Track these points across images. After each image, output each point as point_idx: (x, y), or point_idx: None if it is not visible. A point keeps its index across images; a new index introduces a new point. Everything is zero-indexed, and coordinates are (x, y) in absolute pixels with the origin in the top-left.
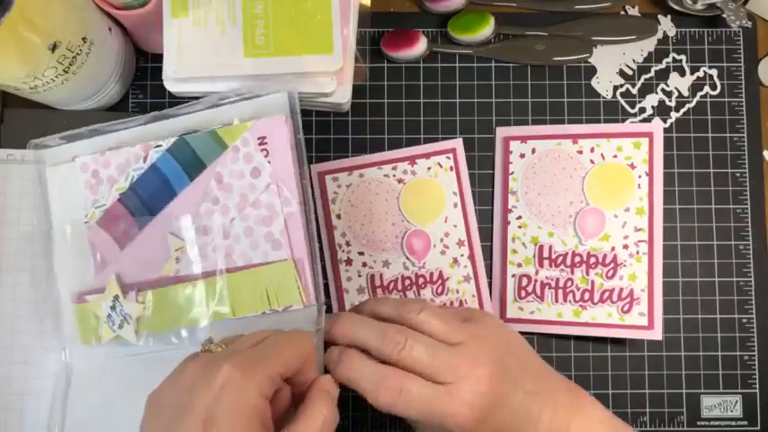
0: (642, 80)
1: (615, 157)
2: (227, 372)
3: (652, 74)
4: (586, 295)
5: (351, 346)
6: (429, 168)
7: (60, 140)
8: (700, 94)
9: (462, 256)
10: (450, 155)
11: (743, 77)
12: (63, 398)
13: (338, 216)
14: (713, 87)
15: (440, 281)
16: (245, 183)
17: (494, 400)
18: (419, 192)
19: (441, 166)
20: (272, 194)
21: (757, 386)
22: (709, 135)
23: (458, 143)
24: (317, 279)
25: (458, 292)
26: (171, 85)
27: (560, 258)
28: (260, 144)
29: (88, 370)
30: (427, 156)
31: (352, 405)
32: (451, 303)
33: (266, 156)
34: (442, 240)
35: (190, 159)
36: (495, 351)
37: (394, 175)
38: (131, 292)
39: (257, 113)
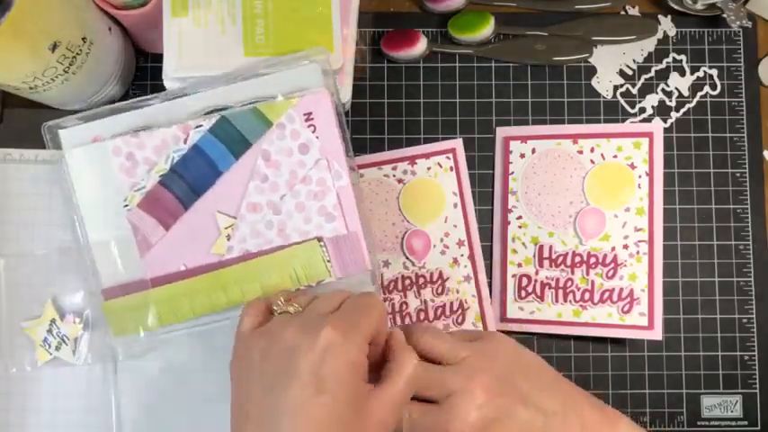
0: (642, 80)
1: (615, 157)
2: (329, 335)
3: (652, 74)
4: (586, 295)
5: None
6: (429, 168)
7: (78, 120)
8: (700, 94)
9: (462, 256)
10: (450, 155)
11: (743, 77)
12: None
13: None
14: (713, 87)
15: (440, 281)
16: (294, 160)
17: (494, 414)
18: (419, 192)
19: (441, 167)
20: (323, 169)
21: (757, 386)
22: (709, 135)
23: (458, 143)
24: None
25: (458, 292)
26: (171, 84)
27: (560, 258)
28: (306, 120)
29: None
30: (427, 156)
31: None
32: (451, 304)
33: (313, 131)
34: (441, 240)
35: (234, 138)
36: (496, 364)
37: (394, 175)
38: (69, 315)
39: (292, 86)
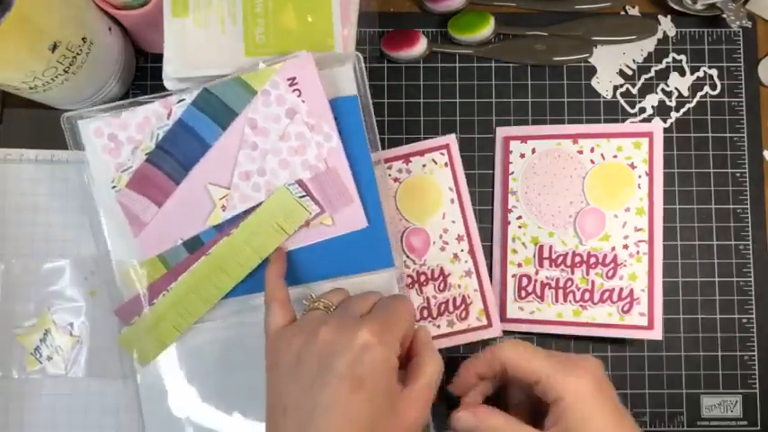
0: (642, 80)
1: (615, 157)
2: (364, 336)
3: (652, 74)
4: (586, 295)
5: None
6: (424, 166)
7: (99, 112)
8: (700, 94)
9: (462, 251)
10: (444, 151)
11: (743, 77)
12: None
13: None
14: (713, 87)
15: (441, 277)
16: (281, 126)
17: None
18: (415, 189)
19: (435, 163)
20: (299, 124)
21: (757, 386)
22: (709, 135)
23: (451, 138)
24: (395, 244)
25: (459, 287)
26: (171, 84)
27: (560, 258)
28: (290, 85)
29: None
30: (421, 153)
31: None
32: (454, 299)
33: (299, 96)
34: (441, 237)
35: (218, 109)
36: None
37: (389, 174)
38: (65, 326)
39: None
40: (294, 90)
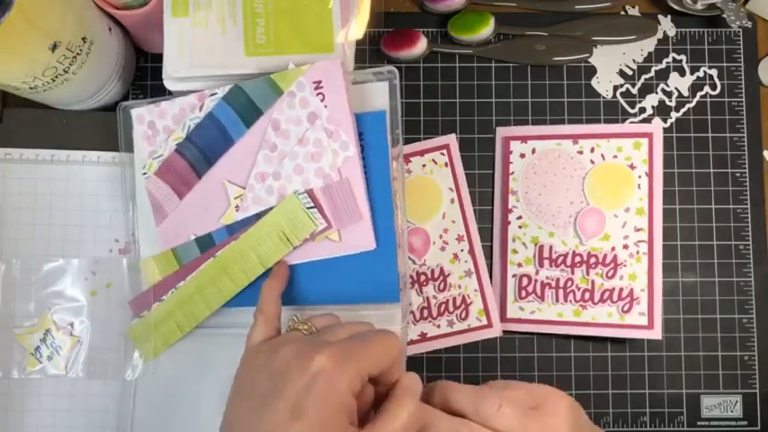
0: (642, 80)
1: (615, 157)
2: (321, 362)
3: (652, 74)
4: (587, 295)
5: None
6: (424, 166)
7: (148, 103)
8: (700, 94)
9: (462, 251)
10: (444, 151)
11: (743, 77)
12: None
13: None
14: (713, 87)
15: (441, 277)
16: (302, 129)
17: None
18: (415, 190)
19: (435, 163)
20: (318, 130)
21: (757, 386)
22: (709, 135)
23: (451, 139)
24: (405, 272)
25: (460, 287)
26: (171, 84)
27: (560, 258)
28: (316, 88)
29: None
30: (421, 153)
31: None
32: (454, 299)
33: (322, 100)
34: (441, 237)
35: (245, 106)
36: None
37: None
38: (66, 326)
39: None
40: (318, 94)
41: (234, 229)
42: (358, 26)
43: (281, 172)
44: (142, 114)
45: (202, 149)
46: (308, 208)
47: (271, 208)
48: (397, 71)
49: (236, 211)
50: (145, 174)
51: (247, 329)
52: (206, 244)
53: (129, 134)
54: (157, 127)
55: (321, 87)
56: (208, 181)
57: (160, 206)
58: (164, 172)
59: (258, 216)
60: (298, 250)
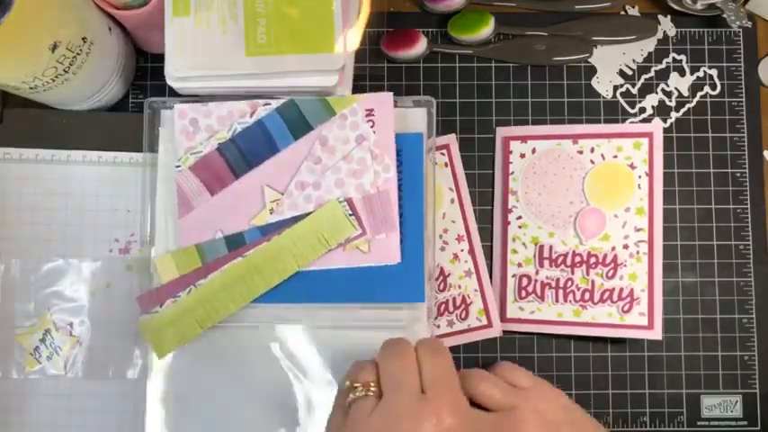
0: (642, 80)
1: (615, 157)
2: (447, 421)
3: (652, 74)
4: (586, 295)
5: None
6: None
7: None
8: (700, 94)
9: (462, 251)
10: (445, 151)
11: (743, 77)
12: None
13: None
14: (713, 87)
15: (441, 277)
16: (348, 147)
17: None
18: None
19: (435, 163)
20: (364, 150)
21: (757, 386)
22: (709, 135)
23: (451, 139)
24: (432, 278)
25: (459, 287)
26: (174, 83)
27: (560, 258)
28: (367, 115)
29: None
30: None
31: None
32: (454, 299)
33: (372, 126)
34: (441, 237)
35: (297, 120)
36: (546, 416)
37: None
38: (65, 326)
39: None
40: (369, 120)
41: (267, 231)
42: (359, 26)
43: (321, 182)
44: (185, 110)
45: (244, 153)
46: (349, 214)
47: (307, 213)
48: (434, 100)
49: (270, 213)
50: (178, 167)
51: (263, 324)
52: (236, 243)
53: (154, 132)
54: (200, 124)
55: (372, 115)
56: (245, 182)
57: (187, 199)
58: (199, 168)
59: (295, 219)
60: (325, 257)
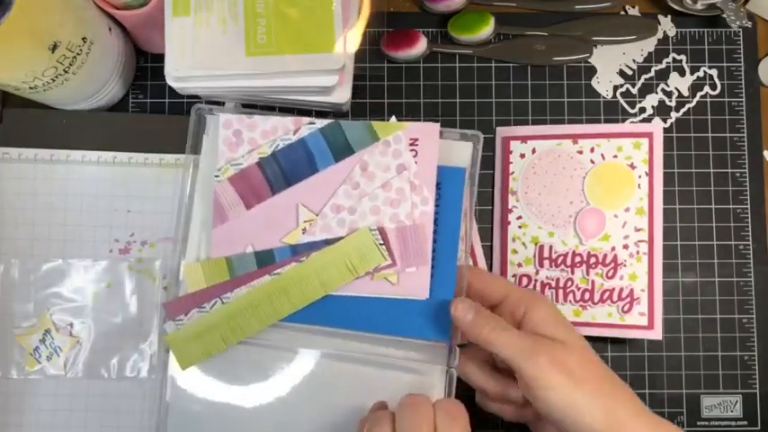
0: (642, 80)
1: (615, 157)
2: None
3: (652, 74)
4: (586, 295)
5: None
6: None
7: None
8: (700, 94)
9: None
10: None
11: (743, 77)
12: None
13: None
14: (713, 87)
15: None
16: (388, 176)
17: None
18: None
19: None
20: (404, 180)
21: (757, 386)
22: (709, 135)
23: None
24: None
25: None
26: (173, 84)
27: (560, 258)
28: (411, 144)
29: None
30: None
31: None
32: None
33: (414, 156)
34: None
35: (339, 142)
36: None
37: None
38: (64, 327)
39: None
40: (412, 150)
41: (297, 250)
42: (359, 26)
43: (357, 208)
44: (230, 120)
45: (284, 169)
46: (380, 244)
47: (339, 237)
48: (481, 135)
49: (303, 233)
50: (217, 177)
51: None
52: (266, 259)
53: (198, 136)
54: (243, 136)
55: (416, 145)
56: (281, 199)
57: (223, 210)
58: (237, 179)
59: (327, 242)
60: (353, 283)
